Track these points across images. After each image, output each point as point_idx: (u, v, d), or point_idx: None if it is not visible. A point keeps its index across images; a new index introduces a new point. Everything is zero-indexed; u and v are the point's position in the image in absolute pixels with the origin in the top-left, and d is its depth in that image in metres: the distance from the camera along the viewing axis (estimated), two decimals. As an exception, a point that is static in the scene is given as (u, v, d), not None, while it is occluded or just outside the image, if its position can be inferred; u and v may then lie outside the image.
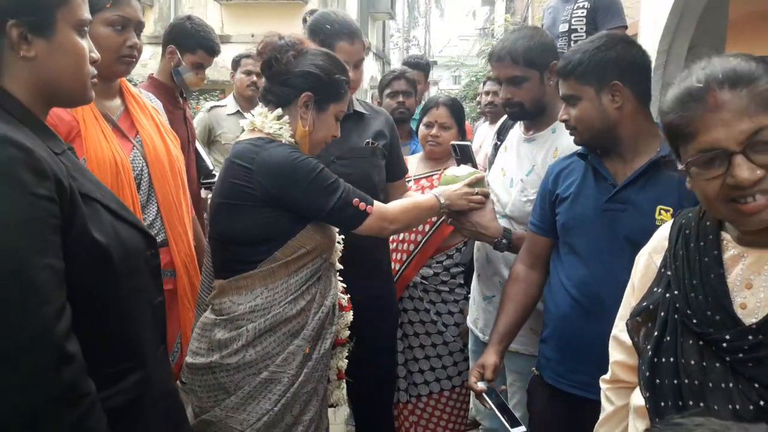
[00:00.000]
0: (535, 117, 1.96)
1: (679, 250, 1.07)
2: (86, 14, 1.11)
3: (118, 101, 1.86)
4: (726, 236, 1.03)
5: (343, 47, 1.96)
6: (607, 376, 1.32)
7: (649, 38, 4.18)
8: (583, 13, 3.45)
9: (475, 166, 1.99)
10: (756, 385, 0.90)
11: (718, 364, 0.95)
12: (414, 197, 1.75)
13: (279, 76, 1.62)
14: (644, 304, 1.12)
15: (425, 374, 2.43)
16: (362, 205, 1.61)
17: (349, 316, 1.76)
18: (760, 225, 0.93)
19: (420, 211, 1.78)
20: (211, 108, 3.50)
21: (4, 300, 0.90)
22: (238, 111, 3.38)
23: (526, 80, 1.87)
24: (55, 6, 1.05)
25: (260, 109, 1.64)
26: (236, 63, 3.55)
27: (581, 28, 3.47)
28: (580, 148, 1.67)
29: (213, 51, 2.71)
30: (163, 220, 1.85)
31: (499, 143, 2.20)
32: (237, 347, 1.52)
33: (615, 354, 1.25)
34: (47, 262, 0.94)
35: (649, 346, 1.06)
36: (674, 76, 1.10)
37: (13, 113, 1.02)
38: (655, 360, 1.03)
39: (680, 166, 0.99)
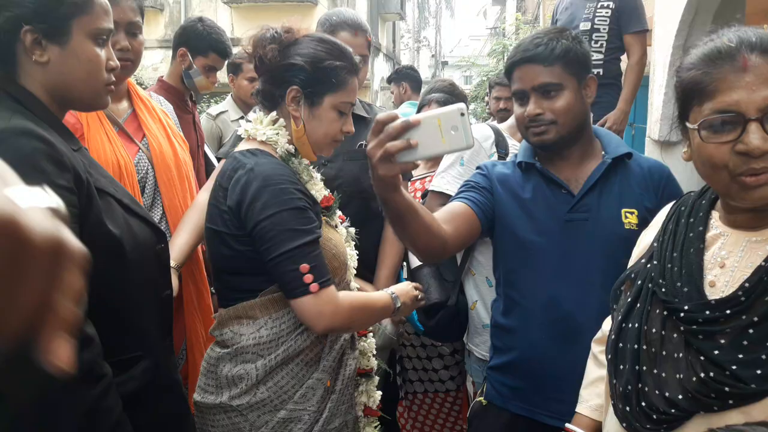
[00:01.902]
0: None
1: (669, 224, 1.08)
2: (105, 24, 1.15)
3: (125, 104, 1.84)
4: (714, 215, 1.04)
5: (344, 37, 1.95)
6: (599, 336, 1.30)
7: (664, 34, 4.10)
8: (607, 13, 3.43)
9: None
10: (702, 358, 0.92)
11: (675, 335, 0.97)
12: (368, 294, 1.45)
13: (265, 74, 1.45)
14: (628, 272, 1.14)
15: (419, 373, 2.38)
16: (308, 277, 1.27)
17: (369, 342, 1.58)
18: (759, 201, 0.91)
19: (372, 313, 1.44)
20: (218, 114, 3.29)
21: None
22: (241, 117, 3.20)
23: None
24: (71, 15, 1.10)
25: (255, 114, 1.47)
26: (236, 66, 3.26)
27: (604, 29, 3.44)
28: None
29: (225, 54, 2.68)
30: (169, 223, 1.82)
31: (502, 153, 2.05)
32: (246, 386, 1.34)
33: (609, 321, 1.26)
34: None
35: (620, 312, 1.08)
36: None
37: (33, 111, 1.07)
38: (623, 325, 1.06)
39: (691, 126, 0.95)
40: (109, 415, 1.02)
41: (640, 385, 0.99)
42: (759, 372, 0.86)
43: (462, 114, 0.99)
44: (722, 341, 0.91)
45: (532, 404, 1.52)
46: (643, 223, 1.46)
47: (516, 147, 2.03)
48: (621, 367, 1.03)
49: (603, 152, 1.53)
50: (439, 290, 1.96)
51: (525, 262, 1.51)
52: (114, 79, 1.19)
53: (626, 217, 1.44)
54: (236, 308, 1.38)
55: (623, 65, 3.66)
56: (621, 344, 1.05)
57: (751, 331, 0.89)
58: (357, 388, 1.55)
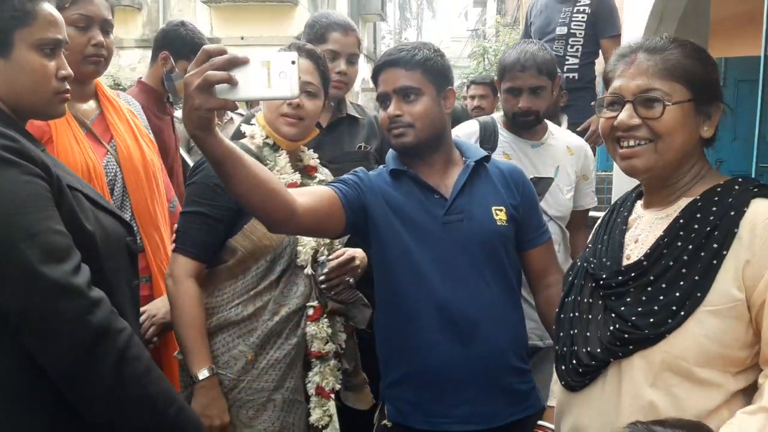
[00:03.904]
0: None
1: (606, 215, 1.32)
2: (50, 34, 1.18)
3: (93, 104, 1.84)
4: (639, 202, 1.26)
5: (335, 37, 2.05)
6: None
7: (631, 39, 4.22)
8: (583, 18, 3.47)
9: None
10: (613, 315, 1.13)
11: (600, 302, 1.18)
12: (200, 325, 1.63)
13: None
14: (576, 259, 1.35)
15: None
16: (173, 236, 1.57)
17: (319, 328, 1.64)
18: (630, 171, 1.15)
19: (180, 325, 1.57)
20: None
21: (27, 263, 1.02)
22: None
23: (544, 90, 2.01)
24: (12, 28, 1.13)
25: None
26: None
27: (580, 33, 3.48)
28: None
29: None
30: (138, 225, 1.83)
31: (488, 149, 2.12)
32: None
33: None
34: (58, 228, 1.07)
35: (563, 289, 1.30)
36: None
37: None
38: (566, 300, 1.27)
39: (594, 103, 1.24)
40: (137, 363, 1.11)
41: (574, 347, 1.18)
42: (651, 320, 1.07)
43: (293, 62, 0.99)
44: (628, 299, 1.12)
45: (435, 415, 1.50)
46: (512, 219, 1.56)
47: (506, 140, 2.12)
48: (561, 333, 1.24)
49: (464, 158, 1.62)
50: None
51: (410, 268, 1.50)
52: (68, 87, 1.22)
53: (497, 215, 1.55)
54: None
55: (596, 68, 3.74)
56: (562, 315, 1.26)
57: (649, 288, 1.10)
58: (310, 370, 1.65)
